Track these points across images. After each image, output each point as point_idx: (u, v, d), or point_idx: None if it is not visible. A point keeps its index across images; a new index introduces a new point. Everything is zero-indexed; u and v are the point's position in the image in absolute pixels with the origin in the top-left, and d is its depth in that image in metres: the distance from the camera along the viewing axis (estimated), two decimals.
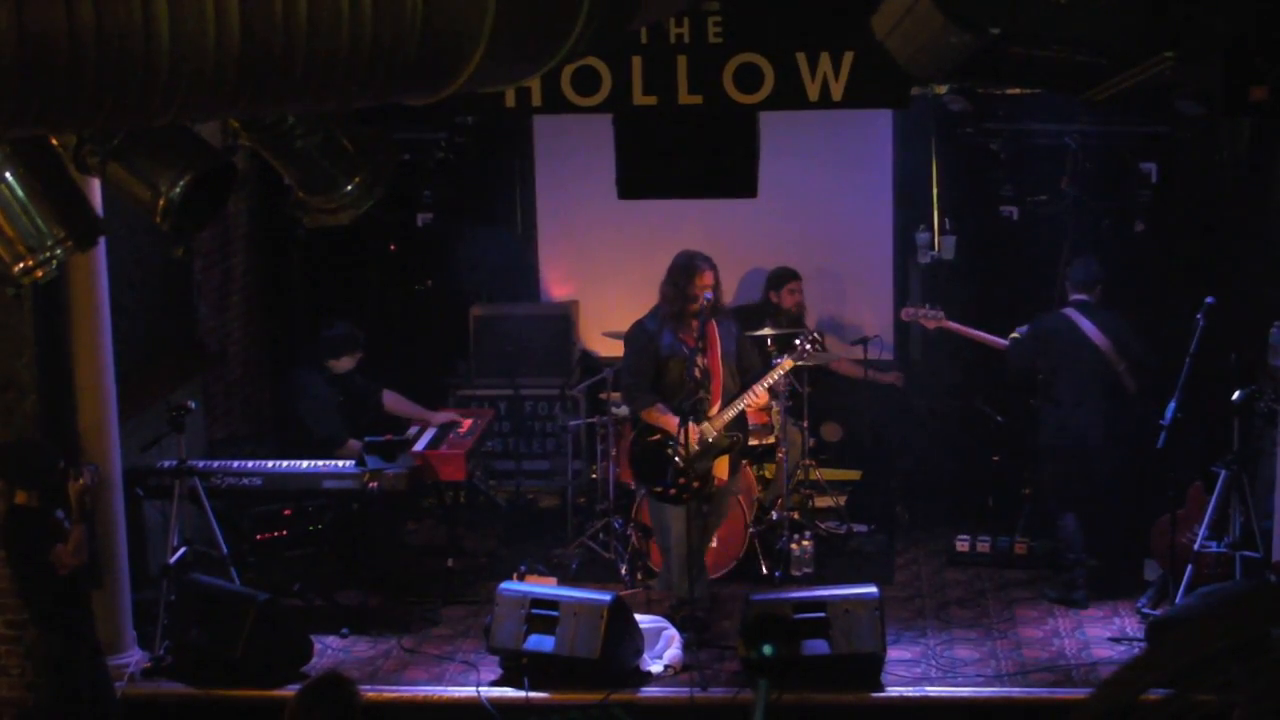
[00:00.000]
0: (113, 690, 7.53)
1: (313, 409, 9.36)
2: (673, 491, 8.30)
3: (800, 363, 8.99)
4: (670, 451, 8.25)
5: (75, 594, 7.11)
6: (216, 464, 8.80)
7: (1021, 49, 5.16)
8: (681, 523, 8.28)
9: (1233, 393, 8.28)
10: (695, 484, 8.30)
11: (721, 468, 8.53)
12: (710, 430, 8.41)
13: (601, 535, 9.57)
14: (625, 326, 8.82)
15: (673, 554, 8.40)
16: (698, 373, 8.38)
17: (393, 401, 9.65)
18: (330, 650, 8.37)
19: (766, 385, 8.66)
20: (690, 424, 8.20)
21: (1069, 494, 8.94)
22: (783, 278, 10.05)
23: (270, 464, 8.81)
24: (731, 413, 8.51)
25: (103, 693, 7.35)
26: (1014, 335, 9.15)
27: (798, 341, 8.93)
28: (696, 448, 8.29)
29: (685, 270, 8.39)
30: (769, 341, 9.47)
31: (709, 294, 8.42)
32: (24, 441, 7.46)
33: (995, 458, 9.87)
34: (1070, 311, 9.01)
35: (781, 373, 8.87)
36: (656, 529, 8.54)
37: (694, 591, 8.29)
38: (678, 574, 8.41)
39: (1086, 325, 8.93)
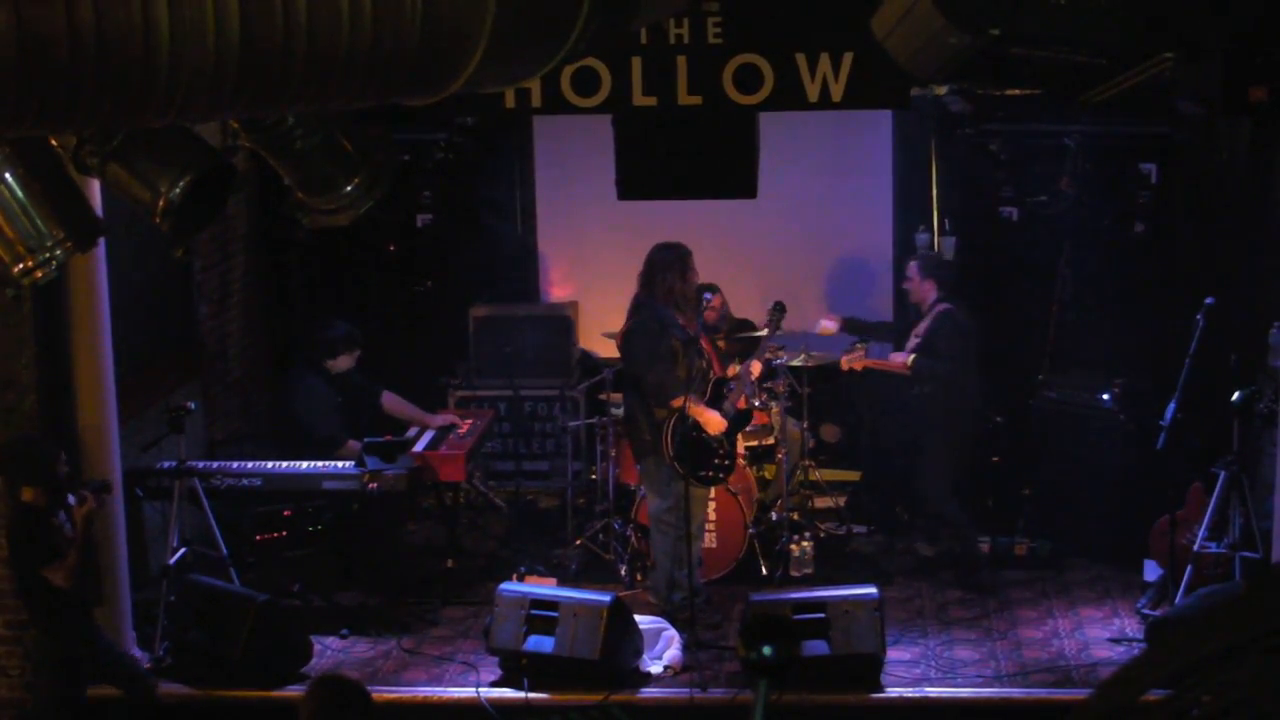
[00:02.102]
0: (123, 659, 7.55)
1: (312, 409, 9.35)
2: (711, 474, 8.50)
3: (777, 336, 9.19)
4: (706, 436, 8.41)
5: (73, 598, 7.10)
6: (216, 465, 8.80)
7: (1021, 50, 5.15)
8: (698, 505, 8.47)
9: (1232, 393, 8.29)
10: (727, 462, 8.55)
11: (739, 444, 8.87)
12: (729, 409, 8.60)
13: (601, 536, 9.57)
14: None
15: (677, 546, 8.40)
16: (704, 362, 8.61)
17: (391, 403, 9.64)
18: (330, 651, 8.37)
19: (758, 357, 9.01)
20: (702, 406, 8.47)
21: (950, 477, 9.25)
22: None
23: (270, 465, 8.81)
24: (739, 390, 8.73)
25: (115, 660, 7.35)
26: (911, 358, 9.18)
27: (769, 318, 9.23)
28: (727, 426, 8.51)
29: (684, 259, 8.59)
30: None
31: (708, 295, 8.90)
32: (24, 437, 7.46)
33: (995, 458, 9.88)
34: (948, 306, 9.21)
35: (763, 349, 9.12)
36: (665, 523, 8.50)
37: (693, 580, 8.33)
38: (675, 567, 8.41)
39: (960, 315, 9.22)
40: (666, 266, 8.54)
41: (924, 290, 9.30)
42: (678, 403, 8.33)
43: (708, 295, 9.19)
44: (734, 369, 8.97)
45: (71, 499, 7.08)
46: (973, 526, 9.30)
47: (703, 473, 8.43)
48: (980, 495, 9.90)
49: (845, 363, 9.47)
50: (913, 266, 9.39)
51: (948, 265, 9.44)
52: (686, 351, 8.50)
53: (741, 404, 8.78)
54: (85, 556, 7.04)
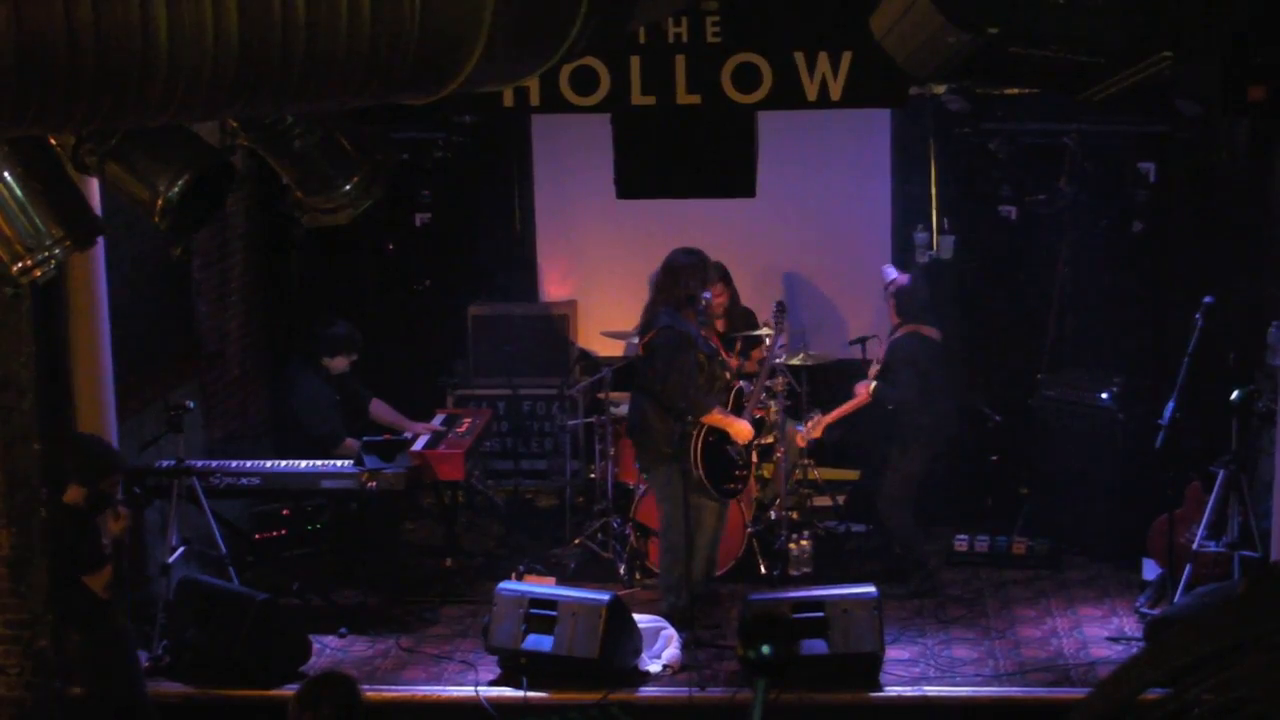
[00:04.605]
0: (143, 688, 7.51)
1: (310, 406, 9.34)
2: (734, 486, 8.51)
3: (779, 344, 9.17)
4: (730, 449, 8.41)
5: (109, 606, 7.04)
6: (215, 464, 8.80)
7: (1020, 49, 5.16)
8: (711, 515, 8.46)
9: (1231, 392, 8.29)
10: (744, 473, 8.58)
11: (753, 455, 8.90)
12: (748, 418, 8.61)
13: (600, 535, 9.57)
14: (624, 326, 8.85)
15: (694, 550, 8.41)
16: (729, 374, 8.60)
17: (379, 410, 9.63)
18: (329, 650, 8.37)
19: (772, 362, 9.00)
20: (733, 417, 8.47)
21: (906, 492, 9.13)
22: None
23: (269, 464, 8.81)
24: (754, 398, 8.70)
25: (138, 692, 7.31)
26: (872, 383, 9.10)
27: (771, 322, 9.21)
28: (751, 440, 8.52)
29: (706, 266, 8.53)
30: (765, 341, 9.51)
31: (707, 294, 8.73)
32: (99, 440, 7.39)
33: (995, 458, 9.88)
34: (903, 334, 9.04)
35: (774, 355, 9.09)
36: (673, 529, 8.48)
37: (694, 586, 8.35)
38: (684, 570, 8.40)
39: (933, 334, 9.05)
40: (690, 272, 8.43)
41: (890, 312, 9.25)
42: (710, 418, 8.30)
43: (706, 295, 9.13)
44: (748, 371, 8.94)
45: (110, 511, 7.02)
46: (922, 541, 9.24)
47: (727, 485, 8.45)
48: (980, 495, 9.90)
49: (802, 439, 9.43)
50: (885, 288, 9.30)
51: (908, 293, 9.12)
52: (710, 364, 8.47)
53: (757, 413, 8.77)
54: (122, 570, 7.00)
